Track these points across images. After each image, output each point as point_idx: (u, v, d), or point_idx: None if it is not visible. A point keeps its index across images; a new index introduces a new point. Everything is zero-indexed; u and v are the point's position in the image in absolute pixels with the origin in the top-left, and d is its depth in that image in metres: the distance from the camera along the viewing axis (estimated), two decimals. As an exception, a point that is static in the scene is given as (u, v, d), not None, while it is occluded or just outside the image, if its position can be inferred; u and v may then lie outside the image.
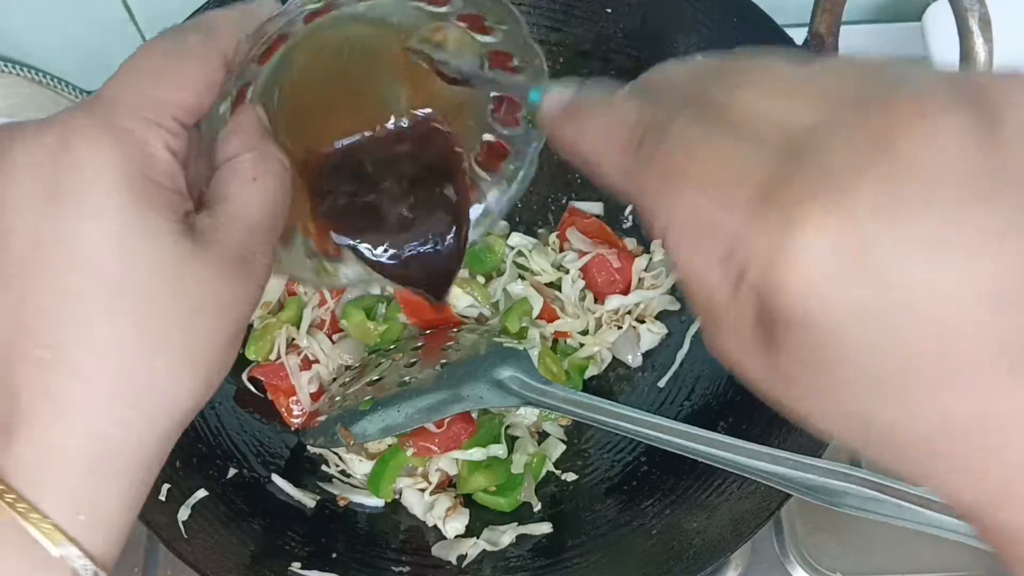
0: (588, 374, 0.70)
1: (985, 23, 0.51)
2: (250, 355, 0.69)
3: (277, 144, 0.35)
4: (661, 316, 0.72)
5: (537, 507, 0.66)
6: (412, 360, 0.65)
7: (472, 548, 0.63)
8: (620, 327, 0.71)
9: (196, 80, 0.33)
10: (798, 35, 0.65)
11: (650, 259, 0.72)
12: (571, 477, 0.67)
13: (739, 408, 0.65)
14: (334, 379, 0.69)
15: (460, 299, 0.69)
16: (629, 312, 0.72)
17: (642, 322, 0.71)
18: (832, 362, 0.23)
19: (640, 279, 0.72)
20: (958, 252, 0.22)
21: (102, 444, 0.31)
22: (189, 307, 0.31)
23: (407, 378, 0.63)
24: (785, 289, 0.23)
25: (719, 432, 0.65)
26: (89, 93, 0.86)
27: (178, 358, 0.31)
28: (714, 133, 0.25)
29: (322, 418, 0.65)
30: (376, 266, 0.39)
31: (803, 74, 0.25)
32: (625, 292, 0.71)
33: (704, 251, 0.25)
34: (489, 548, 0.63)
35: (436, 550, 0.64)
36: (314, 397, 0.68)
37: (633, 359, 0.71)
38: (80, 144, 0.30)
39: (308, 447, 0.67)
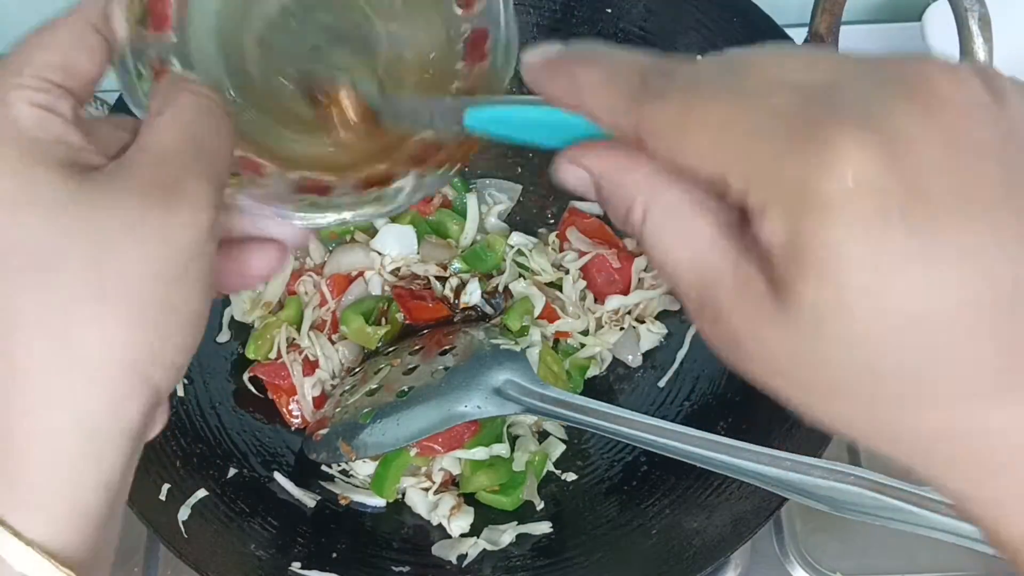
0: (589, 374, 0.70)
1: (985, 23, 0.51)
2: (250, 354, 0.69)
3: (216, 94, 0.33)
4: (661, 316, 0.72)
5: (540, 506, 0.66)
6: (411, 365, 0.65)
7: (472, 548, 0.63)
8: (621, 328, 0.71)
9: (58, 40, 0.33)
10: (798, 35, 0.65)
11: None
12: (571, 477, 0.67)
13: (739, 408, 0.65)
14: (334, 385, 0.69)
15: (473, 295, 0.70)
16: (629, 312, 0.72)
17: (642, 322, 0.71)
18: (843, 317, 0.23)
19: (640, 279, 0.72)
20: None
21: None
22: (96, 246, 0.29)
23: (406, 387, 0.63)
24: (820, 213, 0.22)
25: (719, 432, 0.65)
26: (89, 93, 0.86)
27: (104, 309, 0.29)
28: (731, 75, 0.25)
29: (324, 431, 0.65)
30: None
31: (818, 51, 0.26)
32: (625, 292, 0.71)
33: (705, 209, 0.26)
34: (489, 547, 0.63)
35: (436, 549, 0.64)
36: (317, 403, 0.68)
37: (633, 359, 0.71)
38: None
39: (309, 448, 0.67)
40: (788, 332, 0.24)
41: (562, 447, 0.68)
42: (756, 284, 0.25)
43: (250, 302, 0.71)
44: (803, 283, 0.23)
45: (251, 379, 0.69)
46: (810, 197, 0.23)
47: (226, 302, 0.71)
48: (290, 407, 0.68)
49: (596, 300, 0.72)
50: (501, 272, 0.71)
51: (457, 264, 0.71)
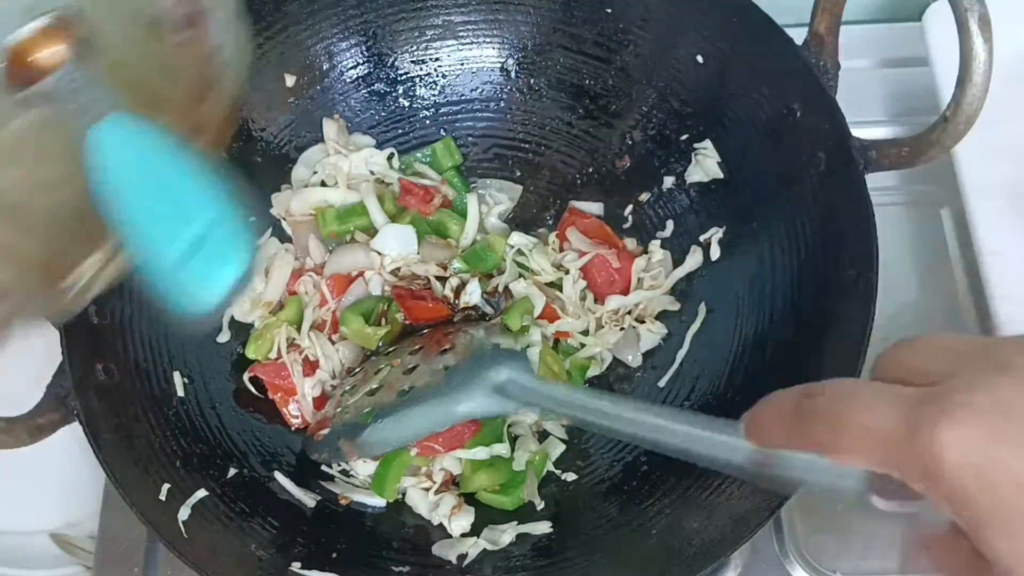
0: (589, 374, 0.70)
1: (985, 23, 0.51)
2: (250, 354, 0.69)
3: None
4: (661, 316, 0.72)
5: (540, 506, 0.66)
6: (411, 365, 0.65)
7: (472, 547, 0.63)
8: (621, 328, 0.71)
9: None
10: (798, 35, 0.65)
11: (648, 259, 0.72)
12: (571, 477, 0.67)
13: (739, 408, 0.65)
14: (334, 385, 0.68)
15: (473, 295, 0.70)
16: (629, 312, 0.72)
17: (642, 322, 0.71)
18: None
19: (640, 279, 0.72)
20: None
21: None
22: None
23: (407, 386, 0.63)
24: (945, 465, 0.30)
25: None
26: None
27: None
28: (858, 387, 0.34)
29: (325, 431, 0.65)
30: None
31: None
32: (625, 292, 0.71)
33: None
34: (489, 547, 0.63)
35: (436, 549, 0.64)
36: (317, 403, 0.68)
37: (633, 359, 0.71)
38: None
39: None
40: None
41: (562, 447, 0.68)
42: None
43: (250, 302, 0.71)
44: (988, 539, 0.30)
45: (251, 379, 0.69)
46: (942, 486, 0.30)
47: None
48: (290, 407, 0.68)
49: (596, 300, 0.72)
50: (501, 272, 0.71)
51: (457, 264, 0.71)
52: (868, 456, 0.33)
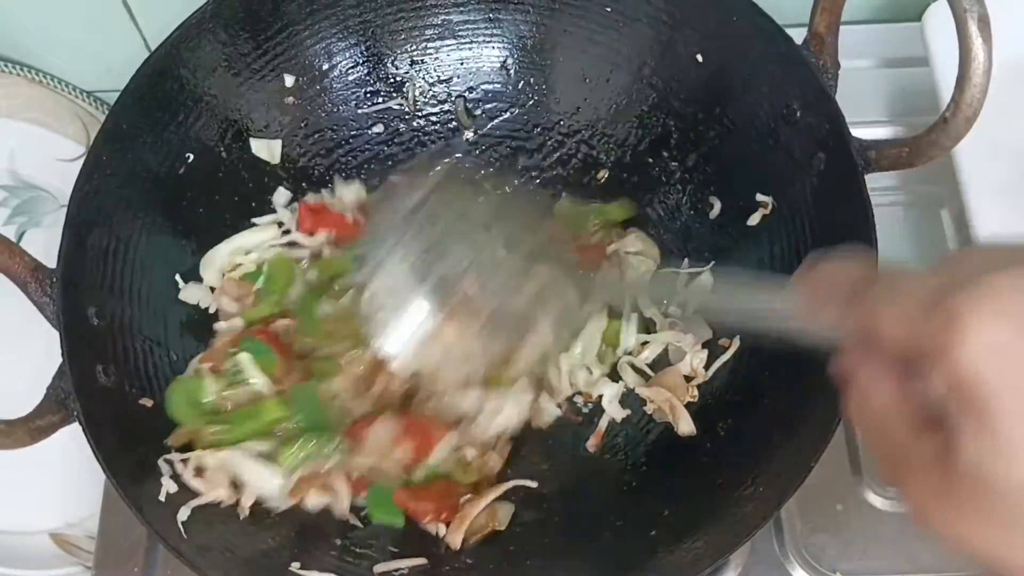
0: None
1: (984, 24, 0.51)
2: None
3: None
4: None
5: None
6: None
7: None
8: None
9: None
10: (798, 35, 0.65)
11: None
12: (571, 477, 0.67)
13: (739, 409, 0.65)
14: None
15: None
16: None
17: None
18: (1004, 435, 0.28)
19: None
20: None
21: None
22: None
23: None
24: (961, 357, 0.28)
25: (718, 434, 0.65)
26: (89, 93, 0.86)
27: None
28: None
29: None
30: None
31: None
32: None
33: (885, 380, 0.33)
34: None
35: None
36: None
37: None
38: None
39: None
40: (958, 483, 0.30)
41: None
42: (928, 444, 0.31)
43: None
44: (965, 432, 0.29)
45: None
46: (948, 360, 0.29)
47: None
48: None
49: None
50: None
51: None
52: (893, 333, 0.33)
